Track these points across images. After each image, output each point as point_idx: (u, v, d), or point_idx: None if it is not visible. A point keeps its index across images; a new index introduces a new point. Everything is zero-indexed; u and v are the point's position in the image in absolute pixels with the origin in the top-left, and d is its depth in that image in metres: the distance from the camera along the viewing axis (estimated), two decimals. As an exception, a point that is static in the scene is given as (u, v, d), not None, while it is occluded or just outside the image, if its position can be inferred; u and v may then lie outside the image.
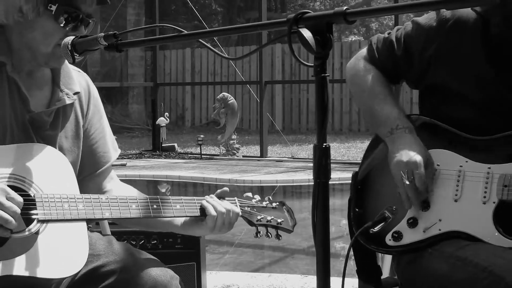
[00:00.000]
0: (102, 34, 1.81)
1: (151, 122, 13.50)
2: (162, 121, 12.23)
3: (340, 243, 5.67)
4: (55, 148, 1.95)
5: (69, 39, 1.86)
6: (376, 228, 2.04)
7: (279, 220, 2.14)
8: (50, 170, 1.87)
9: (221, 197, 2.07)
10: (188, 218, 2.06)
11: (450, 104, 2.11)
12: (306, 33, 1.43)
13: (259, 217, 2.11)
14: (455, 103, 2.09)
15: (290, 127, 17.19)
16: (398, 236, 2.05)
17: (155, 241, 3.04)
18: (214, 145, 13.13)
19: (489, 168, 2.00)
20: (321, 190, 1.48)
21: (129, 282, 1.87)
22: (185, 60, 18.52)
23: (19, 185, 1.80)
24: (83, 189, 1.98)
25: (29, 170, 1.83)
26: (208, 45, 1.91)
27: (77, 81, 2.05)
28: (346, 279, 1.93)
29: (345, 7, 1.45)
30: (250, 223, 2.12)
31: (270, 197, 2.19)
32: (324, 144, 1.48)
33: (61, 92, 1.99)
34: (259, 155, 11.68)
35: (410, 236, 2.04)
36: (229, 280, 4.15)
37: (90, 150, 2.07)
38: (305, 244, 5.82)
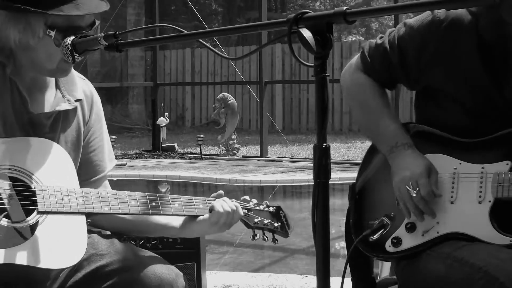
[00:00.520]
0: (102, 34, 1.81)
1: (151, 122, 13.50)
2: (162, 121, 12.23)
3: (340, 243, 5.67)
4: None
5: (69, 39, 1.86)
6: (376, 236, 2.07)
7: (276, 224, 2.16)
8: (51, 163, 1.88)
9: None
10: (188, 217, 2.06)
11: (444, 106, 2.11)
12: (306, 33, 1.43)
13: (256, 220, 2.13)
14: (450, 105, 2.10)
15: (290, 127, 17.18)
16: (397, 241, 2.06)
17: (155, 241, 3.03)
18: (214, 145, 13.13)
19: (483, 168, 2.02)
20: (321, 190, 1.48)
21: (135, 281, 1.87)
22: (185, 60, 18.52)
23: (19, 177, 1.81)
24: None
25: (30, 162, 1.84)
26: (208, 45, 1.91)
27: (80, 89, 2.06)
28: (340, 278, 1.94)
29: (345, 7, 1.45)
30: (248, 225, 2.13)
31: (267, 202, 2.20)
32: (324, 144, 1.48)
33: (63, 98, 2.00)
34: (259, 155, 11.67)
35: (409, 241, 2.05)
36: (229, 280, 4.15)
37: (87, 158, 2.08)
38: (305, 244, 5.82)
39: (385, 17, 19.26)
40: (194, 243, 3.07)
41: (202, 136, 11.99)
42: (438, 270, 1.95)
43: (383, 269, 2.35)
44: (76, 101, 2.02)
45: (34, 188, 1.81)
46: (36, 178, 1.83)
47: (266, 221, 2.15)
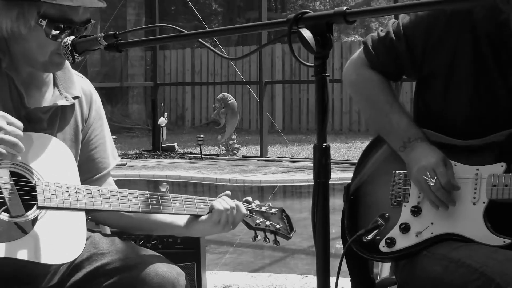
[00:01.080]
0: (102, 34, 1.81)
1: (151, 122, 13.50)
2: (162, 121, 12.25)
3: (340, 243, 5.66)
4: None
5: (69, 39, 1.86)
6: (370, 236, 2.07)
7: (277, 226, 2.16)
8: (52, 159, 1.89)
9: None
10: (191, 217, 2.06)
11: (445, 96, 2.10)
12: (306, 33, 1.43)
13: (258, 221, 2.12)
14: (451, 94, 2.09)
15: (290, 127, 17.19)
16: (391, 242, 2.06)
17: (155, 241, 3.04)
18: (214, 145, 13.13)
19: (477, 169, 2.02)
20: (321, 190, 1.48)
21: (136, 279, 1.87)
22: (185, 60, 18.52)
23: (20, 171, 1.81)
24: None
25: (32, 158, 1.84)
26: (208, 45, 1.91)
27: (78, 86, 2.06)
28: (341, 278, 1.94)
29: (345, 7, 1.45)
30: (249, 226, 2.13)
31: (270, 204, 2.20)
32: (324, 144, 1.48)
33: (61, 95, 2.00)
34: (259, 155, 11.67)
35: (403, 242, 2.05)
36: (229, 280, 4.15)
37: (89, 155, 2.08)
38: (305, 244, 5.82)
39: (385, 17, 19.25)
40: (194, 243, 3.07)
41: (202, 136, 11.99)
42: (435, 271, 1.95)
43: (383, 269, 2.35)
44: (74, 98, 2.03)
45: (35, 183, 1.81)
46: (37, 173, 1.83)
47: (268, 223, 2.14)
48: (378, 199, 2.15)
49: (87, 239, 1.89)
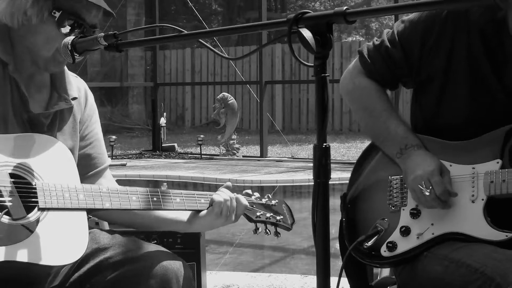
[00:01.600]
0: (102, 34, 1.81)
1: (151, 122, 13.50)
2: (162, 121, 12.27)
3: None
4: None
5: (69, 39, 1.87)
6: (370, 242, 2.06)
7: (278, 218, 2.15)
8: (52, 159, 1.89)
9: None
10: (193, 212, 2.06)
11: (442, 100, 2.10)
12: (306, 33, 1.43)
13: (258, 214, 2.12)
14: (447, 97, 2.09)
15: (290, 127, 17.19)
16: (392, 246, 2.06)
17: (155, 241, 3.04)
18: (214, 145, 13.13)
19: (473, 168, 2.03)
20: (321, 190, 1.48)
21: (140, 271, 1.87)
22: (185, 60, 18.52)
23: (20, 173, 1.81)
24: None
25: (31, 159, 1.85)
26: (208, 45, 1.91)
27: (75, 87, 2.08)
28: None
29: (345, 7, 1.45)
30: (250, 219, 2.12)
31: (270, 195, 2.19)
32: (324, 144, 1.48)
33: (59, 97, 2.02)
34: (259, 155, 11.68)
35: (404, 245, 2.05)
36: (229, 280, 4.15)
37: (84, 152, 2.09)
38: (305, 244, 5.82)
39: (385, 17, 19.27)
40: (194, 243, 3.07)
41: (202, 136, 11.99)
42: (436, 272, 1.95)
43: (383, 269, 2.35)
44: (72, 99, 2.04)
45: (35, 185, 1.81)
46: (36, 174, 1.83)
47: (268, 215, 2.14)
48: (375, 206, 2.15)
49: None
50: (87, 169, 2.09)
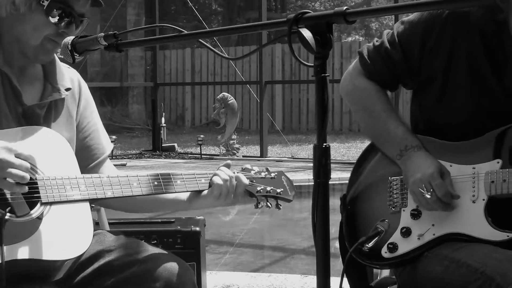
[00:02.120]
0: (102, 34, 1.82)
1: (151, 122, 13.50)
2: (162, 121, 12.28)
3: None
4: None
5: (69, 39, 1.87)
6: (371, 244, 2.06)
7: (278, 190, 2.14)
8: (50, 151, 1.89)
9: None
10: (193, 192, 2.06)
11: (442, 101, 2.10)
12: (306, 33, 1.43)
13: (259, 188, 2.11)
14: (448, 99, 2.09)
15: (290, 127, 17.19)
16: (393, 247, 2.06)
17: (155, 241, 3.04)
18: (214, 145, 13.13)
19: (474, 168, 2.02)
20: (321, 190, 1.48)
21: (144, 274, 1.88)
22: (185, 60, 18.52)
23: None
24: None
25: (30, 153, 1.83)
26: (208, 45, 1.92)
27: (68, 77, 2.07)
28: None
29: (345, 7, 1.45)
30: (251, 194, 2.11)
31: (268, 168, 2.19)
32: (324, 144, 1.48)
33: (53, 88, 2.01)
34: (259, 155, 11.67)
35: (405, 246, 2.05)
36: (229, 280, 4.15)
37: (83, 144, 2.09)
38: (305, 244, 5.82)
39: (385, 17, 19.27)
40: (194, 243, 3.08)
41: (202, 136, 11.99)
42: (436, 272, 1.95)
43: (383, 269, 2.35)
44: (66, 90, 2.04)
45: (36, 179, 1.81)
46: (36, 168, 1.82)
47: (269, 188, 2.13)
48: (376, 207, 2.14)
49: (93, 236, 1.90)
50: (88, 160, 2.09)
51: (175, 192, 2.01)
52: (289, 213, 7.83)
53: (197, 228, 3.10)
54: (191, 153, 12.45)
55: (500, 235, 1.94)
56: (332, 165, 1.50)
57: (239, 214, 7.55)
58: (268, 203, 2.13)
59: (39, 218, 1.77)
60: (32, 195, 1.79)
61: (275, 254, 5.74)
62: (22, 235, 1.73)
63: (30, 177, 1.80)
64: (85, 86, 2.14)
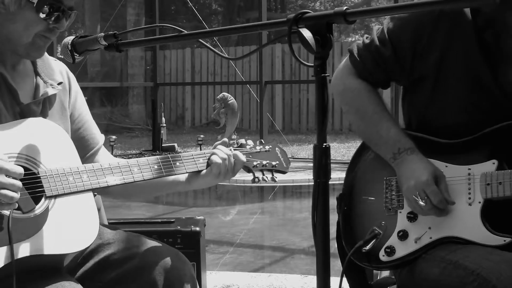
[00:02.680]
0: (102, 34, 1.82)
1: (151, 122, 13.50)
2: (163, 121, 12.28)
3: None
4: None
5: (69, 39, 1.87)
6: (368, 247, 2.06)
7: (273, 163, 2.20)
8: (50, 143, 1.88)
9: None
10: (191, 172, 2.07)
11: (436, 100, 2.08)
12: (306, 33, 1.43)
13: (255, 163, 2.16)
14: (442, 97, 2.07)
15: (290, 127, 17.19)
16: (390, 251, 2.05)
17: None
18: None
19: (469, 169, 2.01)
20: (321, 190, 1.48)
21: (143, 267, 1.89)
22: (185, 60, 18.52)
23: (21, 163, 1.81)
24: None
25: (30, 147, 1.84)
26: (208, 45, 1.92)
27: (57, 71, 2.07)
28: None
29: (345, 7, 1.45)
30: (248, 169, 2.16)
31: (262, 141, 2.23)
32: (324, 144, 1.48)
33: (45, 83, 2.01)
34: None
35: (403, 249, 2.05)
36: (229, 280, 4.15)
37: (77, 134, 2.10)
38: (305, 244, 5.82)
39: (385, 17, 19.22)
40: (194, 243, 3.07)
41: (202, 136, 11.99)
42: (433, 274, 1.94)
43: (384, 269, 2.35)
44: (58, 84, 2.03)
45: (38, 173, 1.81)
46: (38, 161, 1.82)
47: (264, 162, 2.18)
48: (372, 207, 2.13)
49: None
50: (84, 151, 2.09)
51: (175, 174, 2.03)
52: (289, 213, 7.83)
53: (197, 228, 3.10)
54: (191, 153, 12.44)
55: (496, 240, 1.93)
56: (332, 165, 1.50)
57: (239, 214, 7.56)
58: (265, 177, 2.18)
59: (45, 212, 1.78)
60: (36, 190, 1.79)
61: (275, 254, 5.74)
62: (29, 231, 1.74)
63: (33, 171, 1.80)
64: (73, 78, 2.15)
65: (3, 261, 1.68)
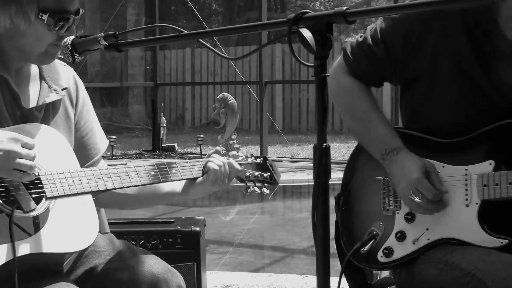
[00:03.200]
0: (102, 34, 1.81)
1: (151, 122, 13.50)
2: (163, 121, 12.28)
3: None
4: None
5: (69, 39, 1.87)
6: (366, 248, 2.06)
7: (265, 174, 2.23)
8: (49, 147, 1.90)
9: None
10: (187, 181, 2.09)
11: (430, 100, 2.08)
12: (306, 33, 1.43)
13: (248, 174, 2.18)
14: (436, 97, 2.06)
15: (290, 127, 17.18)
16: (389, 252, 2.06)
17: (155, 241, 3.04)
18: (214, 145, 13.12)
19: (466, 170, 2.00)
20: (321, 190, 1.48)
21: (131, 279, 1.90)
22: (185, 60, 18.52)
23: None
24: None
25: None
26: (208, 45, 1.91)
27: (64, 76, 2.07)
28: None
29: (345, 7, 1.45)
30: (240, 179, 2.17)
31: (253, 154, 2.26)
32: (324, 144, 1.48)
33: (50, 88, 2.01)
34: (259, 155, 11.65)
35: (401, 250, 2.05)
36: (229, 280, 4.15)
37: (80, 143, 2.10)
38: (305, 244, 5.82)
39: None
40: (194, 243, 3.07)
41: (202, 136, 12.00)
42: (430, 274, 1.94)
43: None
44: (62, 89, 2.04)
45: (39, 175, 1.82)
46: (38, 164, 1.83)
47: (256, 173, 2.20)
48: (370, 207, 2.13)
49: None
50: (85, 159, 2.10)
51: (171, 180, 2.04)
52: (289, 213, 7.83)
53: (197, 228, 3.10)
54: (191, 153, 12.45)
55: (493, 242, 1.93)
56: (332, 165, 1.50)
57: (239, 214, 7.56)
58: (256, 188, 2.19)
59: (46, 212, 1.79)
60: (37, 191, 1.80)
61: (275, 254, 5.74)
62: (30, 230, 1.75)
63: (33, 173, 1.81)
64: (81, 84, 2.14)
65: (4, 258, 1.69)
